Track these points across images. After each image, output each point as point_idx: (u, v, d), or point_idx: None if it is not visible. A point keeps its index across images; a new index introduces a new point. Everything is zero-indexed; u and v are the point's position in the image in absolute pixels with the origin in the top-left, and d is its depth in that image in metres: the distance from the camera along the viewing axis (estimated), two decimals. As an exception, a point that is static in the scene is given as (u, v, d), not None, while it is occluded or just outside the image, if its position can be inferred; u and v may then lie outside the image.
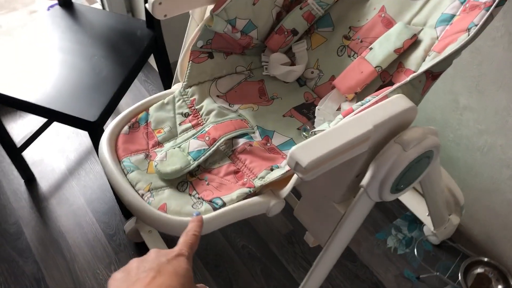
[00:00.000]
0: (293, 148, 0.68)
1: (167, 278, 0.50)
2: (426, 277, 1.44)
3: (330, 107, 0.98)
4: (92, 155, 1.75)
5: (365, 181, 0.79)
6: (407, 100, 0.78)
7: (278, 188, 0.87)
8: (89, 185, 1.66)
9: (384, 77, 0.98)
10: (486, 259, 1.39)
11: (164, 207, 0.84)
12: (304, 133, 0.98)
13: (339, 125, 0.73)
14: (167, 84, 1.74)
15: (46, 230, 1.52)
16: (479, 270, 1.41)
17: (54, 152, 1.76)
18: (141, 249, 1.48)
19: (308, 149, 0.69)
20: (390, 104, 0.77)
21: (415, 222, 1.57)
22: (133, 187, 0.87)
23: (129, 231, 1.46)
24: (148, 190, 0.86)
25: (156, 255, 0.55)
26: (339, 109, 0.98)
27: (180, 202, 0.85)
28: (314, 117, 1.02)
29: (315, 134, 0.83)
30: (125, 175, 0.89)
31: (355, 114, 0.79)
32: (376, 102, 0.80)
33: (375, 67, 0.96)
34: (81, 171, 1.70)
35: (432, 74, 0.84)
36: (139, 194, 0.86)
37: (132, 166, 0.90)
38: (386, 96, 0.80)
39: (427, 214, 1.46)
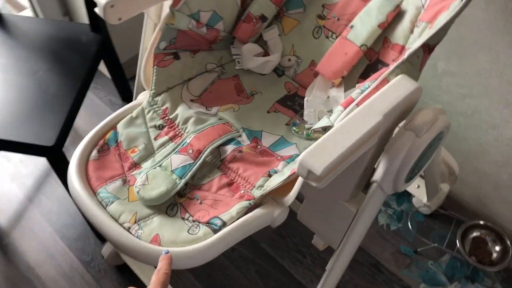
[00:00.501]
0: (302, 155, 0.60)
1: None
2: (424, 250, 1.41)
3: (319, 97, 0.90)
4: (51, 177, 1.60)
5: (378, 175, 0.72)
6: (411, 81, 0.70)
7: (280, 195, 0.78)
8: (54, 211, 1.51)
9: (370, 56, 0.90)
10: (481, 222, 1.37)
11: (156, 239, 0.73)
12: (294, 129, 0.90)
13: (346, 121, 0.65)
14: (122, 89, 1.60)
15: (13, 269, 1.37)
16: (475, 233, 1.39)
17: (8, 180, 1.59)
18: (124, 272, 1.37)
19: (319, 154, 0.61)
20: (395, 88, 0.69)
21: (403, 195, 1.53)
22: (116, 221, 0.76)
23: (108, 255, 1.34)
24: (135, 222, 0.76)
25: None
26: (329, 97, 0.90)
27: (173, 229, 0.75)
28: (301, 109, 0.93)
29: (314, 131, 0.74)
30: (105, 208, 0.77)
31: (357, 104, 0.71)
32: (377, 87, 0.72)
33: (360, 46, 0.88)
34: (42, 197, 1.54)
35: (429, 47, 0.77)
36: (125, 228, 0.75)
37: (110, 196, 0.78)
38: (386, 79, 0.73)
39: (416, 186, 1.42)
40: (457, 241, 1.35)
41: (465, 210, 1.45)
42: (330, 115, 0.75)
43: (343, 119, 0.68)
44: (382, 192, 0.74)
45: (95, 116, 1.75)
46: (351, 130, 0.64)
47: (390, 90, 0.69)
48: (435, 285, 1.35)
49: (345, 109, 0.71)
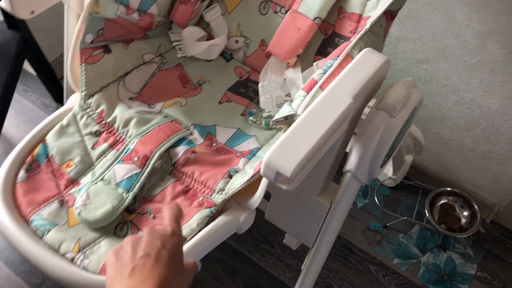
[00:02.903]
0: (268, 154, 0.51)
1: (163, 268, 0.50)
2: (393, 224, 1.37)
3: (274, 81, 0.80)
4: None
5: (351, 164, 0.64)
6: (378, 54, 0.62)
7: (245, 198, 0.69)
8: (-7, 233, 1.35)
9: (325, 29, 0.82)
10: (448, 189, 1.34)
11: (107, 267, 0.63)
12: (251, 119, 0.80)
13: (312, 108, 0.56)
14: (54, 91, 1.45)
15: (-48, 304, 1.23)
16: (443, 201, 1.36)
17: None
18: None
19: (287, 151, 0.52)
20: (362, 65, 0.61)
21: (366, 169, 1.47)
22: (57, 251, 0.64)
23: (60, 274, 1.21)
24: (79, 250, 0.65)
25: (151, 237, 0.52)
26: (285, 79, 0.81)
27: (126, 253, 0.64)
28: (256, 95, 0.84)
29: (275, 122, 0.65)
30: (41, 239, 0.65)
31: (321, 87, 0.62)
32: (341, 65, 0.64)
33: (314, 19, 0.79)
34: (-23, 219, 1.38)
35: (392, 13, 0.69)
36: (67, 259, 0.64)
37: (46, 223, 0.67)
38: (349, 55, 0.64)
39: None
40: (425, 210, 1.32)
41: (429, 178, 1.41)
42: (291, 101, 0.66)
43: (307, 106, 0.60)
44: (356, 181, 0.66)
45: (29, 123, 1.59)
46: (319, 118, 0.55)
47: (356, 67, 0.60)
48: (408, 258, 1.31)
49: (308, 93, 0.62)
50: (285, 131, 0.66)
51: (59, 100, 1.57)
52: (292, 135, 0.54)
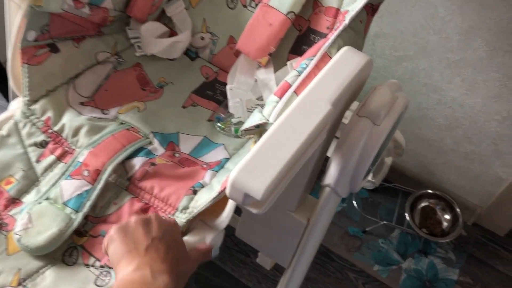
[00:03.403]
0: (234, 173, 0.43)
1: (173, 254, 0.52)
2: (373, 228, 1.31)
3: (244, 82, 0.72)
4: None
5: (331, 178, 0.57)
6: (359, 53, 0.55)
7: (212, 216, 0.61)
8: None
9: (299, 25, 0.74)
10: (429, 191, 1.29)
11: (52, 303, 0.54)
12: (219, 125, 0.72)
13: (285, 117, 0.48)
14: (6, 91, 1.34)
15: None
16: (424, 203, 1.31)
17: None
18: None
19: (257, 169, 0.44)
20: (341, 66, 0.53)
21: (344, 171, 1.41)
22: (-8, 285, 0.55)
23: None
24: (19, 284, 0.55)
25: (159, 222, 0.54)
26: (256, 81, 0.73)
27: (75, 284, 0.56)
28: (224, 98, 0.75)
29: (244, 131, 0.57)
30: (-27, 271, 0.56)
31: (295, 91, 0.55)
32: (318, 66, 0.56)
33: (287, 14, 0.71)
34: None
35: (373, 7, 0.62)
36: (4, 294, 0.55)
37: (-20, 252, 0.57)
38: (327, 54, 0.57)
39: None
40: (406, 214, 1.26)
41: (409, 180, 1.36)
42: (262, 106, 0.59)
43: (280, 114, 0.52)
44: (336, 196, 0.59)
45: (-18, 125, 1.48)
46: (293, 129, 0.48)
47: (335, 68, 0.53)
48: (389, 264, 1.26)
49: (280, 98, 0.55)
50: (256, 141, 0.58)
51: (15, 101, 1.46)
52: (263, 150, 0.46)
